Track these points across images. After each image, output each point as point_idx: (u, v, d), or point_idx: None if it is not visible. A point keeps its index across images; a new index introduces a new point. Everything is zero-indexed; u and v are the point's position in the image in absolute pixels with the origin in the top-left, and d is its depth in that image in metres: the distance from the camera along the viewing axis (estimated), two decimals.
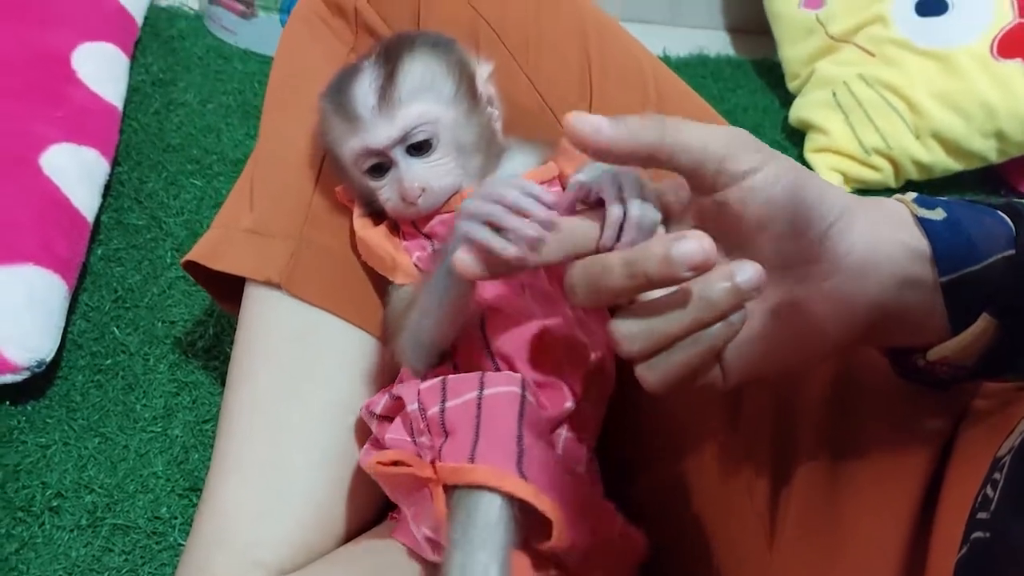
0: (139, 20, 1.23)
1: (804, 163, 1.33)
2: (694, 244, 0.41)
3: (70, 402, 0.80)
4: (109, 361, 0.84)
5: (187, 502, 0.74)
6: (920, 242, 0.46)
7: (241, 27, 1.30)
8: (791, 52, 1.42)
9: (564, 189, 0.54)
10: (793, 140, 1.38)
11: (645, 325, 0.43)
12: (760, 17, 1.50)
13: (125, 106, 1.09)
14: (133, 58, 1.18)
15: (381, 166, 0.58)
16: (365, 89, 0.57)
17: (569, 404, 0.54)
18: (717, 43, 1.63)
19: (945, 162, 1.29)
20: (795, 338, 0.46)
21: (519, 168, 0.61)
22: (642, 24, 1.54)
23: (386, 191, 0.59)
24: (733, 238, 0.45)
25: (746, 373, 0.45)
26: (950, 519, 0.47)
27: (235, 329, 0.67)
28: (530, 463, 0.48)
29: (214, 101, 1.18)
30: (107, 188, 0.99)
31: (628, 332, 0.43)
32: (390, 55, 0.58)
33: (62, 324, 0.81)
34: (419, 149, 0.58)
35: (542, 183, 0.58)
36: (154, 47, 1.26)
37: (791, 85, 1.43)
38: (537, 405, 0.53)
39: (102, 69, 1.08)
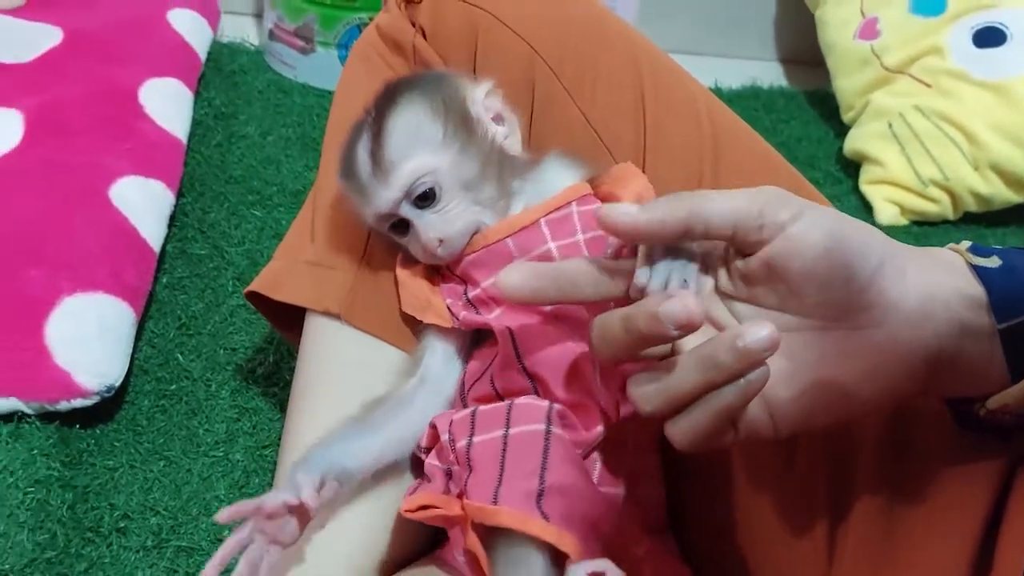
0: (202, 56, 1.27)
1: (859, 195, 1.33)
2: (677, 303, 0.42)
3: (136, 426, 0.82)
4: (173, 387, 0.87)
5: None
6: (976, 289, 0.46)
7: (300, 62, 1.33)
8: (845, 83, 1.42)
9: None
10: (848, 172, 1.38)
11: (658, 385, 0.44)
12: (814, 48, 1.51)
13: (189, 139, 1.13)
14: (197, 92, 1.22)
15: (401, 222, 0.59)
16: (361, 155, 0.59)
17: (599, 429, 0.55)
18: (770, 74, 1.64)
19: (1004, 194, 1.27)
20: (849, 388, 0.46)
21: (554, 182, 0.61)
22: (694, 56, 1.55)
23: (412, 245, 0.60)
24: (783, 294, 0.46)
25: (799, 424, 0.46)
26: (1011, 554, 0.47)
27: (294, 357, 0.69)
28: (551, 501, 0.49)
29: (274, 134, 1.22)
30: (172, 219, 1.02)
31: (642, 392, 0.45)
32: (378, 114, 0.59)
33: (130, 351, 0.84)
34: (426, 199, 0.58)
35: (572, 200, 0.59)
36: (217, 82, 1.29)
37: (846, 116, 1.43)
38: (567, 429, 0.53)
39: (168, 104, 1.11)
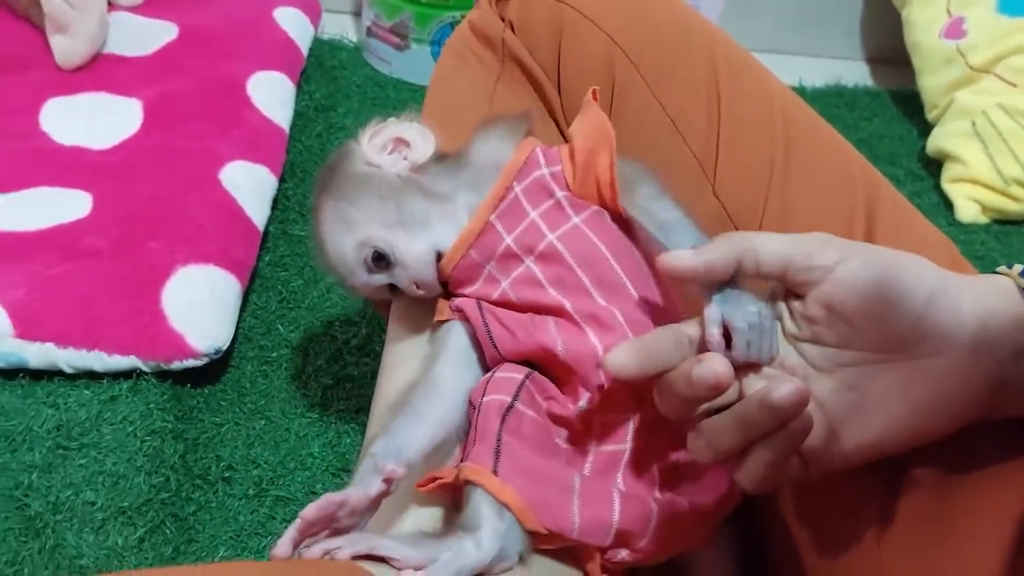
0: (305, 51, 1.35)
1: (940, 192, 1.33)
2: (706, 367, 0.46)
3: (240, 388, 0.90)
4: (275, 354, 0.94)
5: (339, 480, 0.82)
6: None
7: (396, 58, 1.40)
8: (930, 82, 1.43)
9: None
10: (929, 170, 1.39)
11: (706, 442, 0.48)
12: (900, 48, 1.51)
13: (291, 129, 1.20)
14: (299, 86, 1.29)
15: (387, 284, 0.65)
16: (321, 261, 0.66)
17: (582, 404, 0.58)
18: (855, 73, 1.64)
19: None
20: (916, 417, 0.48)
21: (487, 169, 0.64)
22: (779, 55, 1.57)
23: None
24: (843, 332, 0.49)
25: (871, 453, 0.49)
26: None
27: (385, 330, 0.75)
28: (506, 460, 0.54)
29: None
30: (275, 202, 1.09)
31: (696, 447, 0.49)
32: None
33: (236, 318, 0.91)
34: (383, 259, 0.63)
35: (512, 183, 0.62)
36: (317, 76, 1.37)
37: (929, 115, 1.43)
38: (544, 400, 0.58)
39: (272, 95, 1.19)
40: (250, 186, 1.03)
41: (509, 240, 0.61)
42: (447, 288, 0.65)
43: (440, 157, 0.66)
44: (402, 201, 0.63)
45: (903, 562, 0.56)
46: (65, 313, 0.84)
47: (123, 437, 0.79)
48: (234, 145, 1.07)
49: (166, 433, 0.81)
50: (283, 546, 0.50)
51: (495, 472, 0.54)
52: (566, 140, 0.78)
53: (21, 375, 0.84)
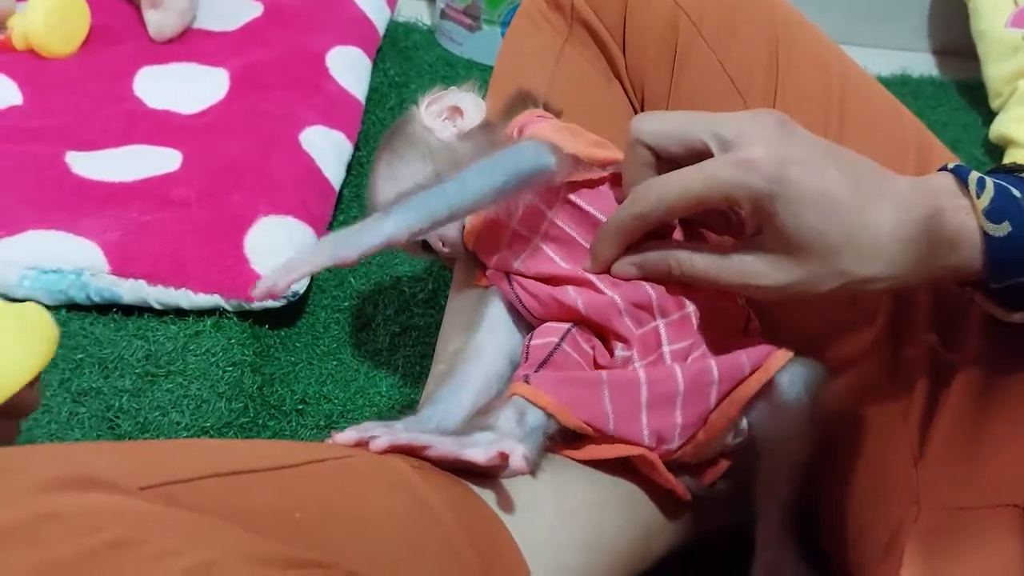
0: (381, 31, 1.41)
1: None
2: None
3: (314, 332, 0.95)
4: (346, 303, 0.99)
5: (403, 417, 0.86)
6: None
7: (467, 39, 1.46)
8: (995, 70, 1.43)
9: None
10: (992, 156, 1.39)
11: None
12: (966, 39, 1.52)
13: (367, 102, 1.26)
14: (375, 63, 1.35)
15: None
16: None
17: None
18: (922, 64, 1.65)
19: None
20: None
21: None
22: (846, 46, 1.58)
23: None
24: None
25: None
26: None
27: (449, 285, 0.79)
28: (541, 375, 0.58)
29: None
30: (349, 167, 1.15)
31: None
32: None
33: None
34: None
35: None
36: (392, 55, 1.43)
37: (993, 104, 1.44)
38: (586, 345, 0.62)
39: (349, 68, 1.25)
40: (327, 149, 1.09)
41: (515, 224, 0.64)
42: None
43: (486, 122, 0.70)
44: (437, 165, 0.67)
45: (938, 477, 0.59)
46: (156, 254, 0.90)
47: (206, 367, 0.85)
48: (313, 111, 1.13)
49: (245, 366, 0.86)
50: (346, 435, 0.55)
51: (527, 383, 0.58)
52: (631, 100, 0.82)
53: (115, 310, 0.91)
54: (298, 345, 0.93)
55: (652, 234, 0.61)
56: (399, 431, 0.55)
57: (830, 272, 0.53)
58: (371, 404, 0.88)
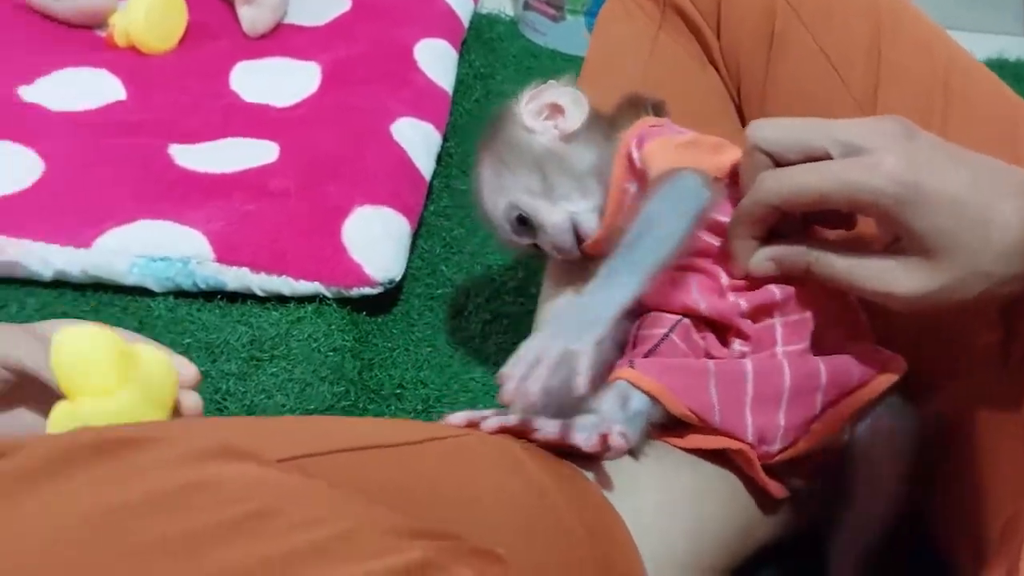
0: (465, 23, 1.42)
1: None
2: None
3: (409, 319, 0.97)
4: (439, 291, 1.01)
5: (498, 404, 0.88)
6: None
7: (551, 29, 1.46)
8: None
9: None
10: None
11: None
12: None
13: (453, 94, 1.28)
14: (460, 55, 1.37)
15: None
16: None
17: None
18: (1020, 48, 1.61)
19: None
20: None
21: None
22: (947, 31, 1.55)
23: None
24: None
25: None
26: None
27: (539, 274, 0.80)
28: (646, 362, 0.59)
29: None
30: (439, 158, 1.17)
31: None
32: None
33: (406, 255, 0.98)
34: (525, 223, 0.69)
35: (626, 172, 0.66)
36: (477, 46, 1.44)
37: None
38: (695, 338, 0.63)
39: (437, 61, 1.27)
40: (417, 140, 1.11)
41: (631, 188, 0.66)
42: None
43: (591, 120, 0.70)
44: (546, 173, 0.68)
45: None
46: (258, 243, 0.93)
47: (309, 352, 0.87)
48: (403, 104, 1.15)
49: (346, 351, 0.89)
50: (458, 416, 0.56)
51: (631, 367, 0.59)
52: (726, 84, 0.82)
53: (219, 296, 0.94)
54: (394, 332, 0.95)
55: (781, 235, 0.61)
56: (508, 413, 0.57)
57: (973, 274, 0.52)
58: (466, 390, 0.89)
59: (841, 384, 0.59)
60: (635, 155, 0.66)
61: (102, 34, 1.27)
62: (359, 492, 0.37)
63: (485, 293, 1.01)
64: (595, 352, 0.55)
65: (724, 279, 0.63)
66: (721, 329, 0.63)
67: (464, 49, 1.40)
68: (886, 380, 0.58)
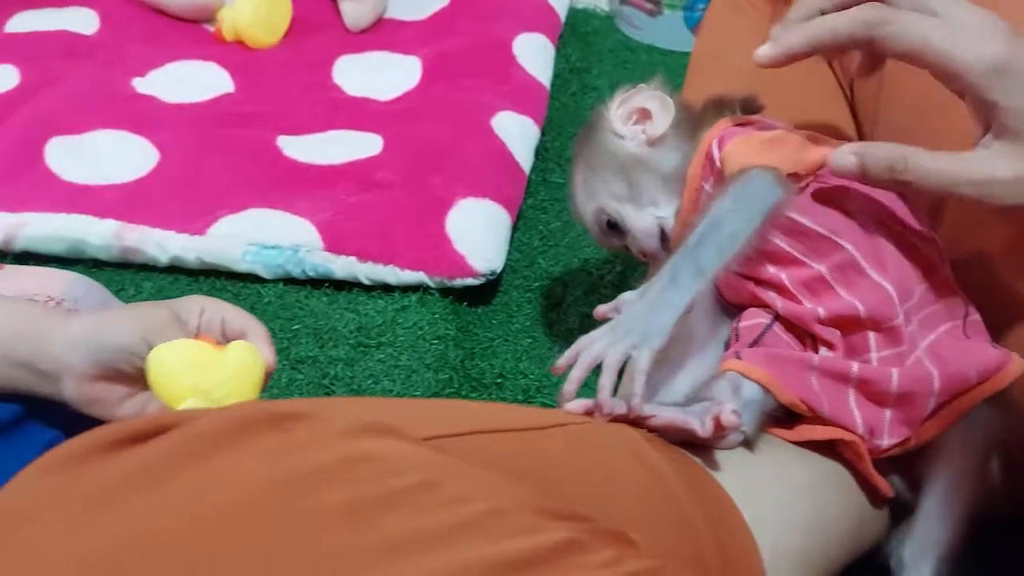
0: (562, 18, 1.43)
1: None
2: None
3: (508, 310, 0.99)
4: (537, 284, 1.02)
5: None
6: None
7: (647, 24, 1.46)
8: None
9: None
10: None
11: None
12: None
13: (549, 88, 1.28)
14: (556, 49, 1.38)
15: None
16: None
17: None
18: None
19: None
20: None
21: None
22: None
23: None
24: None
25: None
26: None
27: (637, 269, 0.81)
28: (753, 353, 0.60)
29: (622, 86, 1.35)
30: (536, 152, 1.18)
31: None
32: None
33: (507, 247, 1.00)
34: (614, 227, 0.71)
35: (703, 170, 0.66)
36: (572, 41, 1.45)
37: None
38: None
39: (535, 55, 1.28)
40: (517, 134, 1.12)
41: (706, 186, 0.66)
42: None
43: (679, 123, 0.70)
44: (632, 178, 0.69)
45: None
46: (364, 233, 0.96)
47: (414, 339, 0.89)
48: (503, 98, 1.17)
49: (448, 340, 0.90)
50: (576, 403, 0.57)
51: (738, 358, 0.60)
52: (839, 81, 0.81)
53: (326, 284, 0.96)
54: (494, 322, 0.97)
55: None
56: (624, 401, 0.57)
57: None
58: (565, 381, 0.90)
59: (956, 388, 0.59)
60: (716, 154, 0.66)
61: (210, 29, 1.32)
62: (500, 472, 0.39)
63: (583, 286, 1.02)
64: (652, 363, 0.57)
65: (788, 284, 0.63)
66: (800, 334, 0.64)
67: (560, 44, 1.41)
68: (1010, 375, 0.57)
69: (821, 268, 0.62)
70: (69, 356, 0.56)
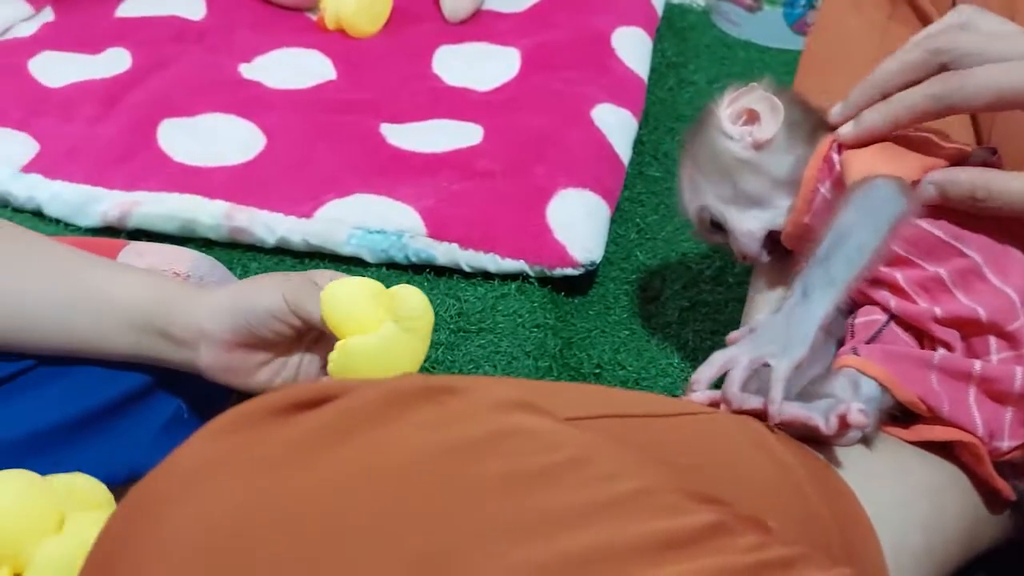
0: (659, 12, 1.43)
1: None
2: None
3: (606, 302, 0.99)
4: (634, 276, 1.02)
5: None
6: None
7: (745, 20, 1.45)
8: None
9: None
10: None
11: None
12: None
13: (646, 82, 1.28)
14: (652, 44, 1.37)
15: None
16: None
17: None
18: None
19: None
20: None
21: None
22: None
23: None
24: None
25: None
26: None
27: (735, 264, 0.80)
28: (869, 349, 0.59)
29: (719, 82, 1.34)
30: (633, 145, 1.18)
31: None
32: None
33: (606, 238, 1.00)
34: (717, 226, 0.70)
35: (821, 172, 0.66)
36: (668, 36, 1.44)
37: None
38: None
39: (633, 48, 1.28)
40: (616, 126, 1.13)
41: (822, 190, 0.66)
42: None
43: (794, 124, 0.68)
44: (738, 181, 0.68)
45: None
46: (467, 221, 0.97)
47: (513, 327, 0.90)
48: (602, 90, 1.17)
49: (547, 328, 0.91)
50: (700, 394, 0.57)
51: (855, 354, 0.59)
52: None
53: (427, 270, 0.98)
54: (591, 313, 0.97)
55: None
56: (748, 393, 0.57)
57: None
58: (664, 374, 0.90)
59: None
60: (835, 157, 0.65)
61: (313, 17, 1.35)
62: (639, 454, 0.39)
63: (682, 280, 1.01)
64: (793, 374, 0.57)
65: (903, 283, 0.62)
66: (918, 333, 0.63)
67: (656, 38, 1.41)
68: None
69: (940, 271, 0.61)
70: (210, 323, 0.58)
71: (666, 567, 0.32)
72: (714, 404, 0.56)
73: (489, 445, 0.35)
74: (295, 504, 0.32)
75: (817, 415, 0.55)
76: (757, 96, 0.69)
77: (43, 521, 0.49)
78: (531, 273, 0.95)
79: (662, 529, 0.34)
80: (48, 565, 0.48)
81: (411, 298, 0.63)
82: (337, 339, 0.60)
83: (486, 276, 0.96)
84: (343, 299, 0.60)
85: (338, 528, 0.31)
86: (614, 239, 1.07)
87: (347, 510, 0.32)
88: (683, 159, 0.73)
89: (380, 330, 0.61)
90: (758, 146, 0.68)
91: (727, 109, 0.70)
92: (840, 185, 0.65)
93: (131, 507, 0.35)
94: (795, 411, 0.55)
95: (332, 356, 0.60)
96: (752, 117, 0.69)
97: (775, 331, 0.58)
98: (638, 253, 1.05)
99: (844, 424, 0.55)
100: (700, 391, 0.57)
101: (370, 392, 0.36)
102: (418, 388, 0.36)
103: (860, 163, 0.63)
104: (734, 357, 0.57)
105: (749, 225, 0.69)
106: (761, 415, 0.55)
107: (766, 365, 0.57)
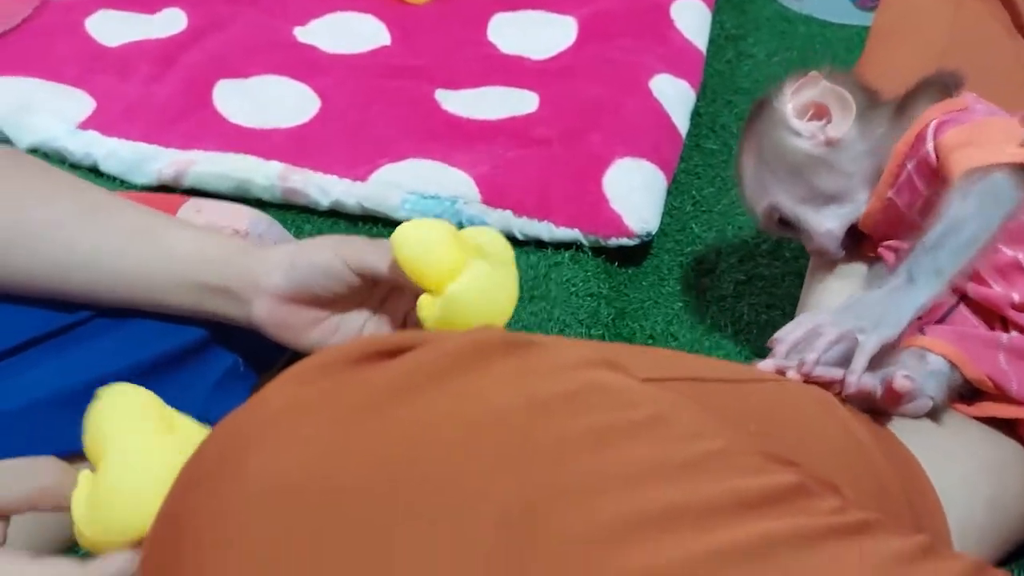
0: None
1: None
2: None
3: (659, 273, 0.98)
4: (688, 248, 1.01)
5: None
6: None
7: None
8: None
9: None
10: None
11: None
12: None
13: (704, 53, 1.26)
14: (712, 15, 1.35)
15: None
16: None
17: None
18: None
19: None
20: None
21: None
22: None
23: None
24: None
25: None
26: None
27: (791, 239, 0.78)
28: (936, 329, 0.59)
29: (779, 56, 1.32)
30: (690, 117, 1.16)
31: None
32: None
33: (662, 208, 0.99)
34: (787, 223, 0.69)
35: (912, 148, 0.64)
36: (727, 8, 1.42)
37: None
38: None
39: (692, 20, 1.26)
40: (674, 97, 1.11)
41: (914, 215, 0.64)
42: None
43: (868, 113, 0.67)
44: (812, 180, 0.67)
45: None
46: (522, 188, 0.96)
47: (567, 295, 0.90)
48: (660, 60, 1.15)
49: (600, 298, 0.90)
50: (766, 363, 0.56)
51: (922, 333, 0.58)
52: None
53: None
54: (644, 284, 0.96)
55: None
56: (815, 364, 0.56)
57: None
58: (718, 347, 0.89)
59: None
60: (930, 141, 0.63)
61: None
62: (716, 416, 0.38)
63: (738, 254, 1.00)
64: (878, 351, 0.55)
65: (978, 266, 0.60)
66: (988, 316, 0.61)
67: (715, 11, 1.38)
68: None
69: (1019, 256, 0.60)
70: (266, 279, 0.58)
71: (748, 525, 0.31)
72: (780, 372, 0.55)
73: (572, 400, 0.34)
74: (382, 448, 0.32)
75: (871, 380, 0.55)
76: (823, 89, 0.67)
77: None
78: (585, 242, 0.94)
79: (744, 487, 0.33)
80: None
81: (489, 231, 0.60)
82: (411, 289, 0.55)
83: (539, 244, 0.96)
84: (421, 240, 0.53)
85: (424, 477, 0.31)
86: (669, 211, 1.05)
87: (433, 459, 0.32)
88: (744, 152, 0.71)
89: (471, 270, 0.54)
90: (831, 143, 0.66)
91: (791, 103, 0.68)
92: (925, 166, 0.63)
93: (218, 444, 0.35)
94: (867, 380, 0.54)
95: (425, 309, 0.54)
96: (821, 112, 0.67)
97: (870, 308, 0.57)
98: (693, 225, 1.04)
99: (892, 392, 0.54)
100: (776, 357, 0.55)
101: (449, 343, 0.35)
102: (498, 341, 0.36)
103: (973, 151, 0.61)
104: (822, 324, 0.56)
105: (828, 224, 0.68)
106: (826, 386, 0.54)
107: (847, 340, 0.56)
